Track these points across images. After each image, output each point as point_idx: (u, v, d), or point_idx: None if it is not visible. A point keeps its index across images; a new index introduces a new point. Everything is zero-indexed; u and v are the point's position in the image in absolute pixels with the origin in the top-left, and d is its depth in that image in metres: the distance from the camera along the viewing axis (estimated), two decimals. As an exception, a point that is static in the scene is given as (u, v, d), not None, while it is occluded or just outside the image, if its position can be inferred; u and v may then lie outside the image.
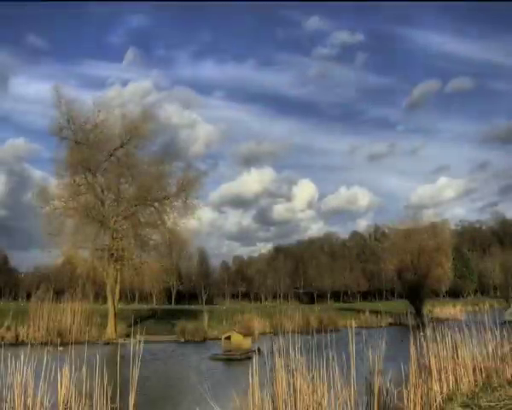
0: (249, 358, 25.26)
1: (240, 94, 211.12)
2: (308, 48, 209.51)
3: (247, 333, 29.19)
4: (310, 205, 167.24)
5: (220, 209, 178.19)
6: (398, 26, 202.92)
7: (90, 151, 40.19)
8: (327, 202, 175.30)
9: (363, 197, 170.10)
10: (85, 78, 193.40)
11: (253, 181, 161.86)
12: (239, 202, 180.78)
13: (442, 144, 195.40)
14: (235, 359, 25.34)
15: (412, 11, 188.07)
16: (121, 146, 41.66)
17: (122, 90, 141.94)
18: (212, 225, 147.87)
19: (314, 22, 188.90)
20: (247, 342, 27.42)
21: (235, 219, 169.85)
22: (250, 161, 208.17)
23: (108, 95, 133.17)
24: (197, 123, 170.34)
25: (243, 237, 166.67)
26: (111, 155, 41.49)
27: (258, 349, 25.48)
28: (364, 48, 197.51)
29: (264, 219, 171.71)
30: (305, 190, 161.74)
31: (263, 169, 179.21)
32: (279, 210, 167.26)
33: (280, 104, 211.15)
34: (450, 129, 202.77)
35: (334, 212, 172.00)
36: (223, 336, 28.68)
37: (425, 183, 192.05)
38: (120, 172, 41.16)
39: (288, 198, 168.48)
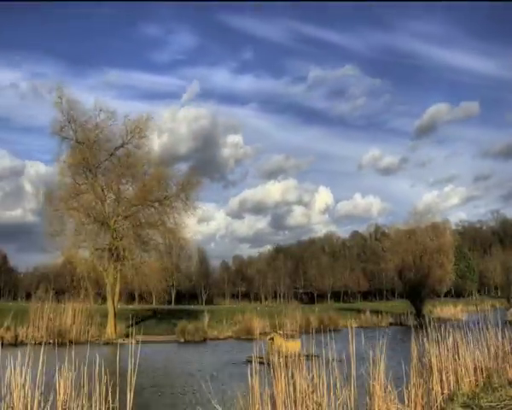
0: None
1: (271, 105, 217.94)
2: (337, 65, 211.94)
3: (293, 335, 24.45)
4: (325, 211, 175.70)
5: (240, 215, 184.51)
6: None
7: (91, 151, 40.22)
8: (340, 208, 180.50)
9: (374, 204, 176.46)
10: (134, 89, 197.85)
11: (276, 190, 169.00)
12: (259, 209, 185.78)
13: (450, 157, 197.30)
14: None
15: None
16: (122, 146, 41.72)
17: (177, 111, 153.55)
18: (226, 228, 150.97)
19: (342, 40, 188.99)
20: (294, 345, 20.50)
21: (251, 224, 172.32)
22: (277, 173, 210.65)
23: (163, 115, 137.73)
24: (239, 146, 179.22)
25: (256, 239, 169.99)
26: (111, 155, 41.54)
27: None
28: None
29: (279, 223, 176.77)
30: (322, 197, 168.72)
31: (287, 180, 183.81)
32: (295, 215, 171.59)
33: (306, 114, 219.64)
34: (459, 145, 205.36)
35: (346, 217, 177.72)
36: (267, 338, 25.84)
37: (431, 190, 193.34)
38: (121, 172, 41.20)
39: (306, 204, 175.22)
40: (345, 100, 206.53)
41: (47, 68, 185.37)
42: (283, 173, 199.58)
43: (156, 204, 42.35)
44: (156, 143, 43.14)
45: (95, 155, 40.65)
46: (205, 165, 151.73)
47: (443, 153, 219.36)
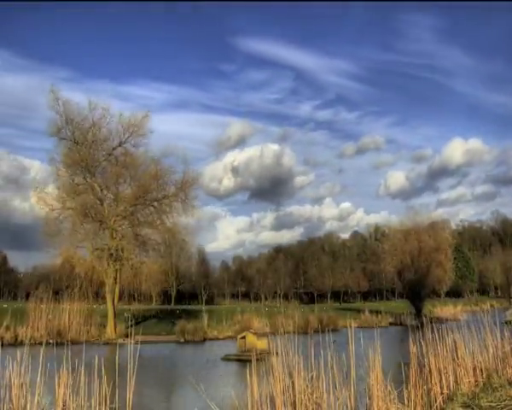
0: (264, 359, 24.57)
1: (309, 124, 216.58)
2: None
3: (263, 334, 27.26)
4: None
5: (277, 229, 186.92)
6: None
7: (89, 151, 40.20)
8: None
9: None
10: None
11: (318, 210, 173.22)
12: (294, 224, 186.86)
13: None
14: (249, 360, 24.17)
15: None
16: (119, 145, 41.68)
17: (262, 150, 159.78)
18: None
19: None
20: (262, 343, 25.70)
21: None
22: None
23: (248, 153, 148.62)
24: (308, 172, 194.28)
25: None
26: (109, 155, 41.50)
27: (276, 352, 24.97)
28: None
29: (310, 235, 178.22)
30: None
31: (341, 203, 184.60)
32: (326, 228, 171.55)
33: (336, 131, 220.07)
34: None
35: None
36: (238, 337, 27.94)
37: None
38: (119, 171, 41.16)
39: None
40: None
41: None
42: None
43: (155, 203, 42.32)
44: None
45: (93, 155, 40.63)
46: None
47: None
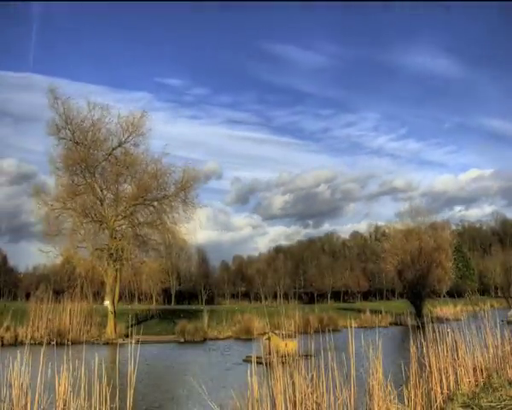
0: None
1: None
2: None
3: (290, 335, 22.79)
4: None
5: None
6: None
7: (89, 151, 40.18)
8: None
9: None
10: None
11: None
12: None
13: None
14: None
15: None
16: (119, 145, 41.65)
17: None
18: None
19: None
20: (292, 344, 21.01)
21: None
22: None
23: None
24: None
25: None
26: (109, 155, 41.46)
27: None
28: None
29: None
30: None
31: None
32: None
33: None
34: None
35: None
36: (264, 338, 25.57)
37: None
38: (119, 171, 41.13)
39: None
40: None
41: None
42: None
43: (155, 203, 42.29)
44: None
45: (93, 155, 40.61)
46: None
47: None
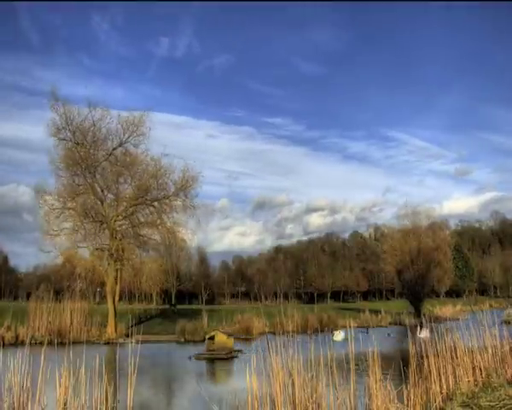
0: (233, 357, 26.03)
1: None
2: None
3: (230, 333, 29.98)
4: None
5: None
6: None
7: (89, 151, 40.18)
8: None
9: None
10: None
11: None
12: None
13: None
14: (220, 358, 25.66)
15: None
16: (120, 145, 41.66)
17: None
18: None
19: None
20: (229, 342, 28.03)
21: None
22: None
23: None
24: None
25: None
26: (110, 155, 41.48)
27: (240, 350, 27.94)
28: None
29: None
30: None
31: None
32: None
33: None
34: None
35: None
36: (207, 337, 29.09)
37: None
38: (119, 171, 41.14)
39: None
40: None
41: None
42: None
43: (155, 203, 42.29)
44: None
45: (93, 156, 40.60)
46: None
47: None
